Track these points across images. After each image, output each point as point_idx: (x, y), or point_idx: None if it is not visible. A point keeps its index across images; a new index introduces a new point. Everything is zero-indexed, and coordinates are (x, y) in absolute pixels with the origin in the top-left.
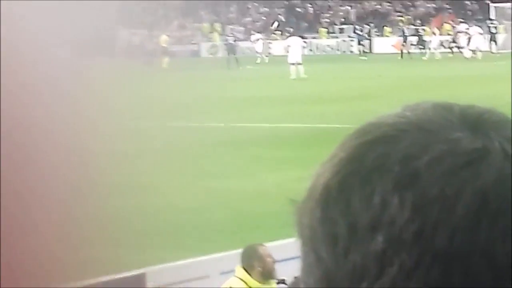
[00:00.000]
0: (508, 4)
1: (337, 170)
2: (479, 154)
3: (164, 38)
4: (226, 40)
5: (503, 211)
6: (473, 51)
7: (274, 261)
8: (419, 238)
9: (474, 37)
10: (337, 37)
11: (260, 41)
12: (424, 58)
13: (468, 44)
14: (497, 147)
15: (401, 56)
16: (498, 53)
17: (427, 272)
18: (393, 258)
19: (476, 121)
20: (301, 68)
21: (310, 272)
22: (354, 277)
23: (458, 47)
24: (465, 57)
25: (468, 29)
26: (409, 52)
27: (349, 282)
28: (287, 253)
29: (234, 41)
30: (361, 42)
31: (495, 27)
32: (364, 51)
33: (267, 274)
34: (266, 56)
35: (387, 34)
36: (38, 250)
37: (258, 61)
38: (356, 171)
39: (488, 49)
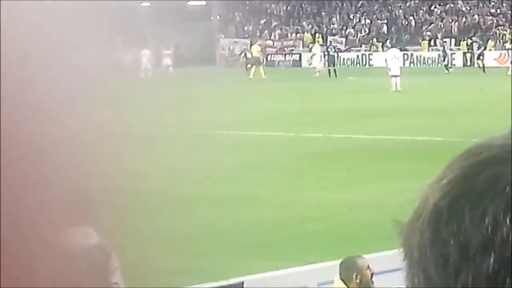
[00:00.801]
0: None
1: (447, 191)
2: None
3: (256, 48)
4: (327, 51)
5: None
6: None
7: (373, 273)
8: None
9: None
10: (438, 50)
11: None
12: None
13: None
14: None
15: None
16: None
17: None
18: (506, 279)
19: None
20: (398, 80)
21: None
22: None
23: None
24: None
25: None
26: None
27: None
28: (386, 265)
29: (335, 52)
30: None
31: None
32: (467, 65)
33: (365, 286)
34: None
35: (490, 48)
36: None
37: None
38: (467, 192)
39: None
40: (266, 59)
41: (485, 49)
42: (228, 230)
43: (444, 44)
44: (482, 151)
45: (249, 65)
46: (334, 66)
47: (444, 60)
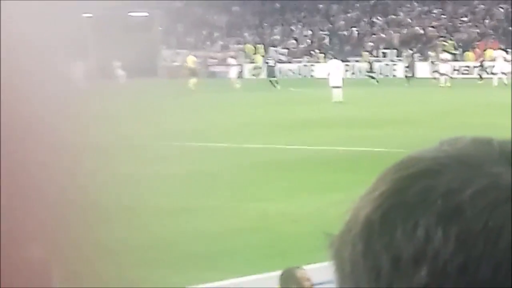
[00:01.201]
0: None
1: (379, 203)
2: None
3: (191, 58)
4: (268, 62)
5: None
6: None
7: (312, 284)
8: (463, 272)
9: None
10: (380, 61)
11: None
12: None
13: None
14: None
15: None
16: None
17: None
18: None
19: None
20: (340, 91)
21: None
22: None
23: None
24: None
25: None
26: (452, 77)
27: None
28: (325, 277)
29: (275, 63)
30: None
31: None
32: (406, 76)
33: None
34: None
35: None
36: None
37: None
38: (399, 204)
39: None
40: (208, 70)
41: (426, 60)
42: (169, 241)
43: (386, 54)
44: (413, 164)
45: (187, 76)
46: (274, 77)
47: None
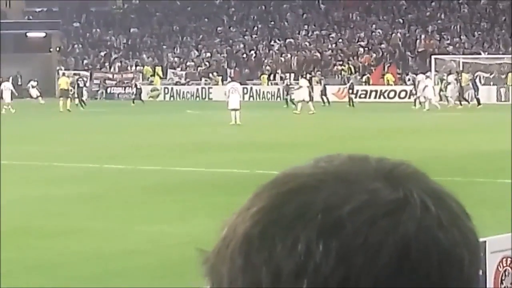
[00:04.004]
0: (447, 56)
1: (257, 219)
2: (399, 204)
3: (63, 80)
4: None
5: (423, 261)
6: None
7: None
8: (344, 286)
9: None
10: (277, 84)
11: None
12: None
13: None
14: (416, 198)
15: (350, 104)
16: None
17: None
18: None
19: (391, 172)
20: (238, 114)
21: None
22: None
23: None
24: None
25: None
26: (352, 101)
27: None
28: None
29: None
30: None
31: (440, 79)
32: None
33: None
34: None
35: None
36: None
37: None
38: (277, 219)
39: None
40: (106, 91)
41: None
42: (55, 263)
43: (285, 79)
44: (290, 180)
45: (61, 98)
46: (174, 98)
47: (287, 95)
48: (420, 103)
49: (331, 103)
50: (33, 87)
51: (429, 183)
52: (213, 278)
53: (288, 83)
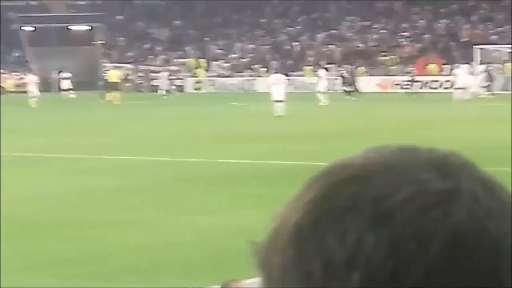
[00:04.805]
0: (491, 46)
1: (309, 210)
2: (449, 194)
3: (113, 73)
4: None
5: (473, 250)
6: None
7: None
8: (395, 276)
9: (463, 77)
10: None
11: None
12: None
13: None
14: (466, 188)
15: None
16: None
17: None
18: None
19: (441, 163)
20: (283, 105)
21: None
22: None
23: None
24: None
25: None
26: (396, 92)
27: None
28: None
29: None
30: (346, 81)
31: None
32: (347, 90)
33: None
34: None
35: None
36: None
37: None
38: (329, 210)
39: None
40: (150, 84)
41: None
42: (103, 255)
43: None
44: (341, 171)
45: (109, 90)
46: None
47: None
48: (463, 93)
49: (376, 93)
50: (66, 78)
51: (479, 173)
52: (265, 269)
53: (346, 73)
